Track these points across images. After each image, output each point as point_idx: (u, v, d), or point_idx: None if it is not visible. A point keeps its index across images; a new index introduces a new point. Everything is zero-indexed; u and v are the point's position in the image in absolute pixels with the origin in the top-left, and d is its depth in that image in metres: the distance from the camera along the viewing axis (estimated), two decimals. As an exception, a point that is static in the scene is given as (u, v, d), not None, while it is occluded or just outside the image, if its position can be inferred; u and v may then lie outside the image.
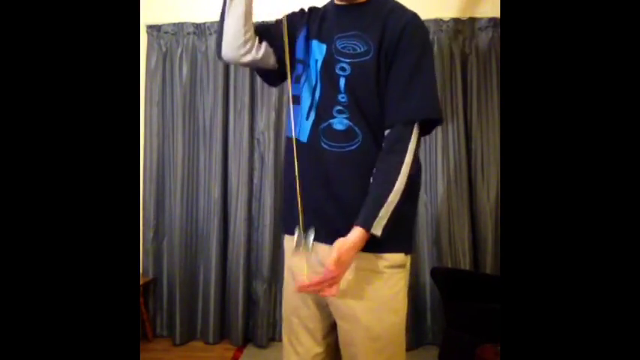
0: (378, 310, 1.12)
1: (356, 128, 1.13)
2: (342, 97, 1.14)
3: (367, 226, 1.05)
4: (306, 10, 1.32)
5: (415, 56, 1.12)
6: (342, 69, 1.14)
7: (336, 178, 1.14)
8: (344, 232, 1.08)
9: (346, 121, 1.13)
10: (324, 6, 1.30)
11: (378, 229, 1.05)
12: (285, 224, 1.29)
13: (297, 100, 1.22)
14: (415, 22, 1.15)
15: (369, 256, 1.11)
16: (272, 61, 1.29)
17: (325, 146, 1.14)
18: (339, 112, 1.14)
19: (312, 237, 1.13)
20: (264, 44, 1.27)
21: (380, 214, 1.05)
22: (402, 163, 1.08)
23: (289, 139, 1.22)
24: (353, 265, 1.10)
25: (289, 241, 1.24)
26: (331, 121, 1.14)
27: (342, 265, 1.04)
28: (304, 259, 1.18)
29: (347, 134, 1.13)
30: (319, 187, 1.15)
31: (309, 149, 1.17)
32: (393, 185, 1.07)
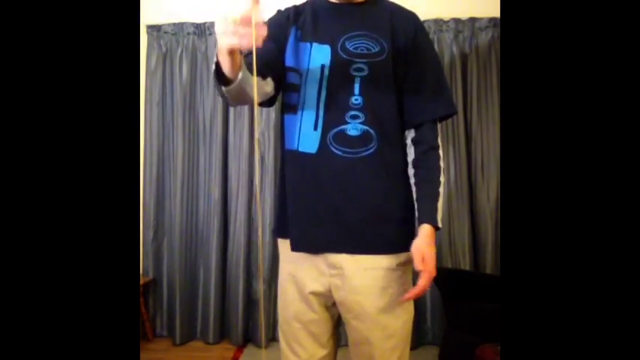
0: (393, 307, 1.14)
1: (371, 131, 1.12)
2: (355, 100, 1.12)
3: (434, 222, 1.12)
4: (286, 10, 1.23)
5: (431, 56, 1.20)
6: (359, 69, 1.12)
7: (355, 183, 1.12)
8: (369, 237, 1.12)
9: (361, 126, 1.11)
10: (310, 4, 1.24)
11: (439, 221, 1.13)
12: (279, 227, 1.26)
13: (292, 109, 1.17)
14: (421, 23, 1.22)
15: (387, 256, 1.13)
16: (270, 88, 1.16)
17: (338, 152, 1.11)
18: (353, 117, 1.12)
19: None
20: (268, 80, 1.13)
21: (437, 207, 1.14)
22: (439, 157, 1.17)
23: (291, 152, 1.17)
24: (368, 264, 1.12)
25: (284, 245, 1.22)
26: (344, 127, 1.12)
27: (429, 262, 1.09)
28: (311, 265, 1.17)
29: (362, 139, 1.12)
30: (336, 194, 1.12)
31: (318, 159, 1.13)
32: (439, 179, 1.15)
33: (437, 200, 1.14)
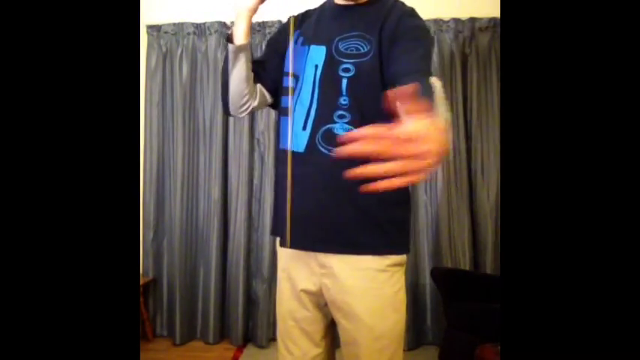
0: (381, 308, 1.13)
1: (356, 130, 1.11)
2: (343, 100, 1.12)
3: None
4: (295, 16, 1.29)
5: (419, 31, 1.12)
6: (346, 70, 1.12)
7: (342, 183, 1.08)
8: (357, 237, 1.12)
9: (347, 126, 1.11)
10: (320, 7, 1.27)
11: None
12: (275, 226, 1.27)
13: (287, 111, 1.19)
14: (414, 12, 1.17)
15: (374, 257, 1.13)
16: (268, 98, 1.29)
17: (326, 151, 1.12)
18: (341, 117, 1.12)
19: None
20: (257, 88, 1.25)
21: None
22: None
23: (283, 152, 1.19)
24: (357, 265, 1.12)
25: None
26: (331, 126, 1.12)
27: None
28: (304, 264, 1.17)
29: None
30: (323, 193, 1.12)
31: (307, 158, 1.13)
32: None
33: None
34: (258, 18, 2.90)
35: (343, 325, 1.15)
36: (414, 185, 2.83)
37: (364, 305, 1.12)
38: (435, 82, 0.93)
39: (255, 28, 2.89)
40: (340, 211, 1.12)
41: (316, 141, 1.13)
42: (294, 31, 1.25)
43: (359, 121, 1.11)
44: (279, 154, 1.23)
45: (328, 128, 1.12)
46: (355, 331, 1.13)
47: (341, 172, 1.10)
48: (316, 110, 1.14)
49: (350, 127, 1.11)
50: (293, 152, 1.16)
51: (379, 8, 1.18)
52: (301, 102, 1.16)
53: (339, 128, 1.12)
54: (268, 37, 2.87)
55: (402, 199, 1.21)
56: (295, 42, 1.23)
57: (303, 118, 1.15)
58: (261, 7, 1.18)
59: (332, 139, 1.12)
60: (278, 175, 1.24)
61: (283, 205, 1.20)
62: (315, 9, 1.28)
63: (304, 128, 1.14)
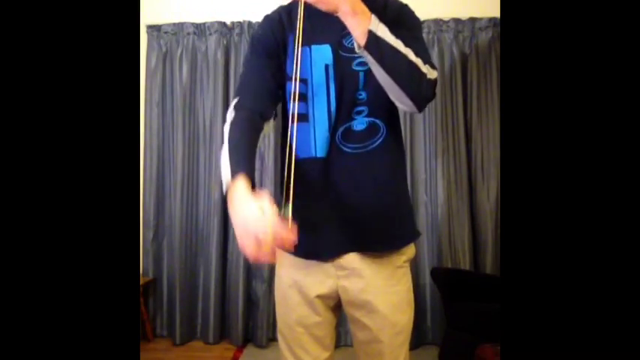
0: (400, 304, 1.15)
1: (378, 121, 1.11)
2: (360, 95, 1.11)
3: (373, 24, 0.97)
4: (275, 14, 1.19)
5: (414, 30, 1.13)
6: (361, 64, 1.10)
7: (364, 178, 1.11)
8: (378, 233, 1.12)
9: (366, 119, 1.11)
10: (299, 3, 1.17)
11: (376, 28, 0.98)
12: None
13: (304, 117, 1.14)
14: (407, 8, 1.17)
15: (394, 254, 1.15)
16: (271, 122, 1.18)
17: (347, 150, 1.10)
18: (358, 112, 1.11)
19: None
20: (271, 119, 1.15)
21: (389, 30, 0.99)
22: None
23: (307, 160, 1.12)
24: (379, 263, 1.13)
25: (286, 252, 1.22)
26: (350, 123, 1.11)
27: None
28: (317, 269, 1.14)
29: (369, 131, 1.11)
30: (346, 192, 1.11)
31: (329, 161, 1.11)
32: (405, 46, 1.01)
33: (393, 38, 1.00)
34: (258, 18, 2.91)
35: (364, 323, 1.15)
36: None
37: (387, 302, 1.13)
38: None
39: (254, 28, 2.89)
40: (363, 207, 1.12)
41: (337, 142, 1.11)
42: (286, 32, 1.16)
43: (378, 112, 1.12)
44: (303, 163, 1.13)
45: (347, 126, 1.11)
46: (378, 329, 1.13)
47: (363, 170, 1.11)
48: (335, 111, 1.12)
49: (369, 119, 1.11)
50: (319, 159, 1.12)
51: (372, 6, 1.16)
52: (319, 105, 1.12)
53: (357, 124, 1.11)
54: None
55: (407, 194, 1.24)
56: (290, 44, 1.15)
57: (326, 122, 1.12)
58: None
59: (351, 136, 1.11)
60: (300, 185, 1.12)
61: (304, 214, 1.09)
62: (290, 5, 1.20)
63: (329, 131, 1.12)
